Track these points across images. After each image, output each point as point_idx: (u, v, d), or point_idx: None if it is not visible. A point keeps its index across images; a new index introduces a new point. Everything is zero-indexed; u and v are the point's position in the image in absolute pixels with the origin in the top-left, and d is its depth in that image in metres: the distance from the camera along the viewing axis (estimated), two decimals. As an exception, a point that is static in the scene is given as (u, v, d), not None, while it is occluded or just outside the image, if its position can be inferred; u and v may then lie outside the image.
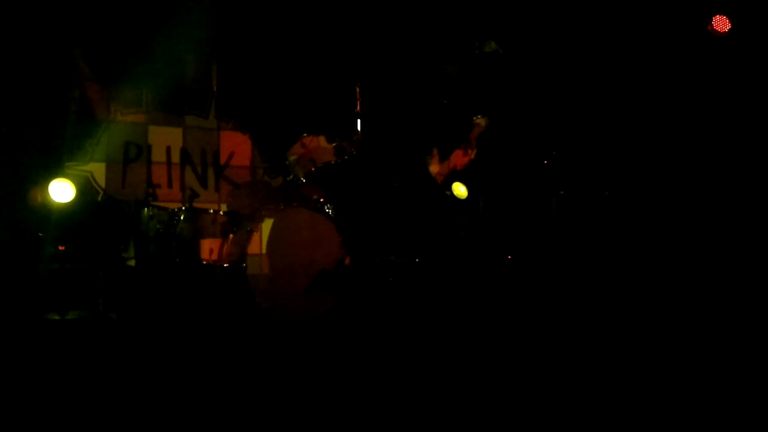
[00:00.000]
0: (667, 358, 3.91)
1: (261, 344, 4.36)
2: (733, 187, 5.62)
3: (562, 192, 5.98)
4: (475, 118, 3.31)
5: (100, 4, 6.12)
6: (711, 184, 5.71)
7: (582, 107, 6.44)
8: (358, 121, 5.29)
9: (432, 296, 5.74)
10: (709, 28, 5.56)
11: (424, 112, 2.94)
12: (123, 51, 6.36)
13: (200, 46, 6.55)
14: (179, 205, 5.86)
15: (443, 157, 3.31)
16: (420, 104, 2.92)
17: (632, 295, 5.36)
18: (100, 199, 6.12)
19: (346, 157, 4.56)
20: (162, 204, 5.77)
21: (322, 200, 5.44)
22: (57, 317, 4.78)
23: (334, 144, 5.39)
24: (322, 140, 5.50)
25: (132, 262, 5.51)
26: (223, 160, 6.81)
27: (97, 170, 6.21)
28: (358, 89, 4.74)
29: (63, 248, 5.19)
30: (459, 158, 3.27)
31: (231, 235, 5.22)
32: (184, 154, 6.65)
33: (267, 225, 5.22)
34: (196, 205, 6.05)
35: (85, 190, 5.90)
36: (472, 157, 3.33)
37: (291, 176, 5.79)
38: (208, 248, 5.27)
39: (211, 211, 5.34)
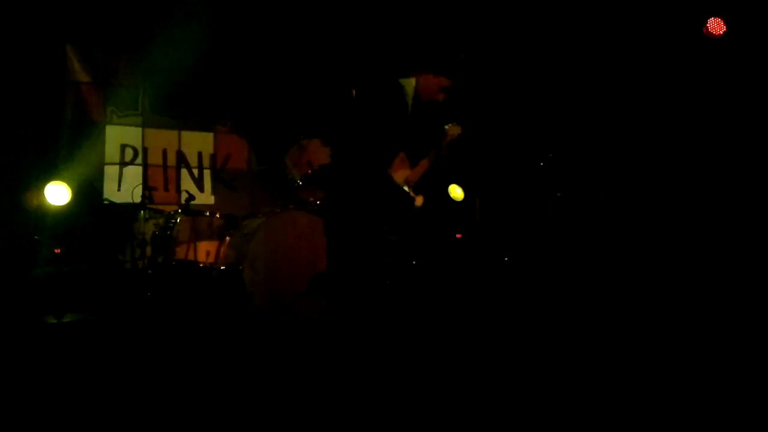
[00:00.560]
0: (664, 358, 3.92)
1: (258, 346, 4.35)
2: (729, 188, 5.64)
3: (558, 194, 6.00)
4: (446, 126, 3.31)
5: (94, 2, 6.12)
6: (707, 186, 5.73)
7: (578, 109, 6.46)
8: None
9: (429, 298, 5.74)
10: (704, 30, 5.58)
11: (395, 119, 2.95)
12: (118, 50, 6.36)
13: (196, 48, 6.54)
14: (175, 207, 5.85)
15: (413, 164, 3.31)
16: (392, 112, 2.93)
17: (629, 296, 5.37)
18: (96, 202, 6.10)
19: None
20: (158, 207, 5.76)
21: (318, 202, 5.43)
22: (53, 320, 4.77)
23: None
24: (319, 142, 5.50)
25: (128, 265, 5.50)
26: (219, 162, 6.80)
27: (94, 173, 6.20)
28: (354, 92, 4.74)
29: (59, 251, 5.19)
30: (429, 163, 3.27)
31: (228, 238, 5.21)
32: (180, 156, 6.64)
33: (264, 227, 5.22)
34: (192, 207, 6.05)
35: (81, 193, 5.87)
36: (443, 162, 3.33)
37: (288, 178, 5.79)
38: (205, 251, 5.26)
39: (208, 213, 5.33)
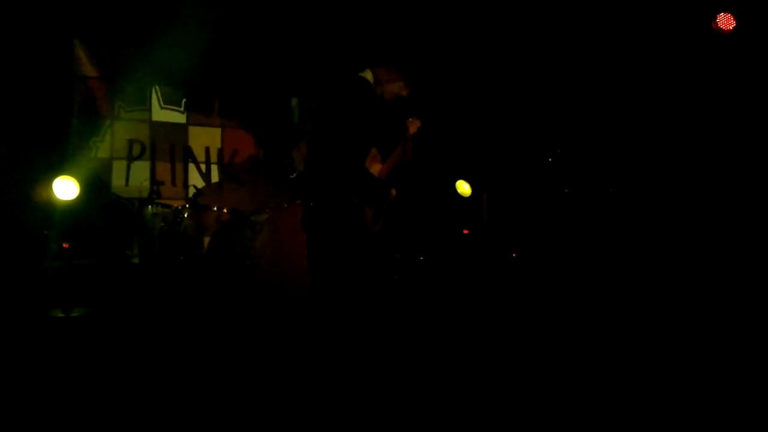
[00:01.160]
0: (672, 354, 3.90)
1: (264, 340, 4.36)
2: (737, 184, 5.60)
3: (566, 190, 5.97)
4: (408, 119, 3.40)
5: None
6: (715, 182, 5.69)
7: (586, 105, 6.43)
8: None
9: (436, 294, 5.74)
10: (713, 26, 5.54)
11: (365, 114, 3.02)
12: (125, 45, 6.36)
13: (203, 43, 6.53)
14: (183, 202, 5.85)
15: (384, 157, 3.37)
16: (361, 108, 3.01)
17: (638, 292, 5.35)
18: (104, 197, 6.11)
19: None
20: (166, 201, 5.76)
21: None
22: (61, 315, 4.78)
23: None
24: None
25: (136, 260, 5.51)
26: (226, 157, 6.80)
27: (101, 168, 6.21)
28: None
29: (67, 246, 5.19)
30: (398, 157, 3.34)
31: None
32: (188, 151, 6.65)
33: (270, 222, 5.22)
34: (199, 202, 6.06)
35: (89, 187, 5.87)
36: (410, 155, 3.40)
37: (295, 174, 5.79)
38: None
39: (215, 208, 5.33)
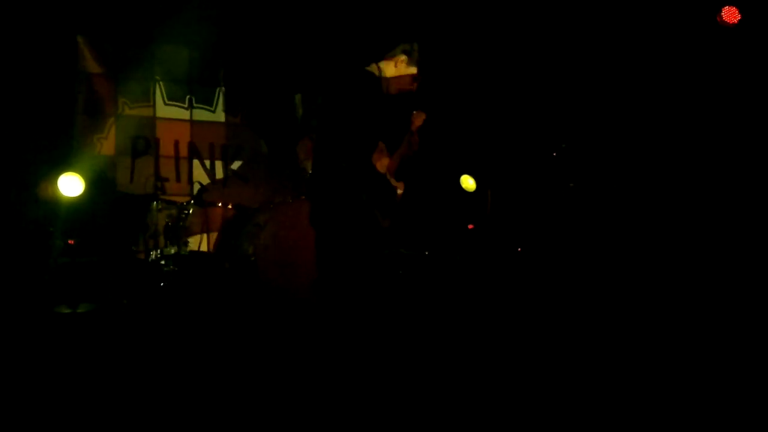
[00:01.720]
0: (678, 349, 3.90)
1: (270, 336, 4.36)
2: (743, 180, 5.58)
3: (571, 184, 5.96)
4: (413, 112, 3.40)
5: None
6: (721, 177, 5.68)
7: (591, 99, 6.41)
8: None
9: (442, 289, 5.73)
10: (718, 19, 5.52)
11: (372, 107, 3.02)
12: (129, 41, 6.36)
13: (207, 39, 6.54)
14: (187, 198, 5.86)
15: (391, 151, 3.36)
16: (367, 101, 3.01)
17: (643, 286, 5.34)
18: (108, 193, 6.12)
19: None
20: (170, 198, 5.77)
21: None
22: (68, 310, 4.80)
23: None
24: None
25: (141, 256, 5.52)
26: (230, 153, 6.80)
27: (106, 164, 6.22)
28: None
29: (72, 242, 5.21)
30: (405, 150, 3.34)
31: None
32: (192, 147, 6.65)
33: (275, 218, 5.22)
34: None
35: (94, 184, 5.89)
36: (416, 148, 3.40)
37: (299, 169, 5.79)
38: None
39: (220, 204, 5.34)
